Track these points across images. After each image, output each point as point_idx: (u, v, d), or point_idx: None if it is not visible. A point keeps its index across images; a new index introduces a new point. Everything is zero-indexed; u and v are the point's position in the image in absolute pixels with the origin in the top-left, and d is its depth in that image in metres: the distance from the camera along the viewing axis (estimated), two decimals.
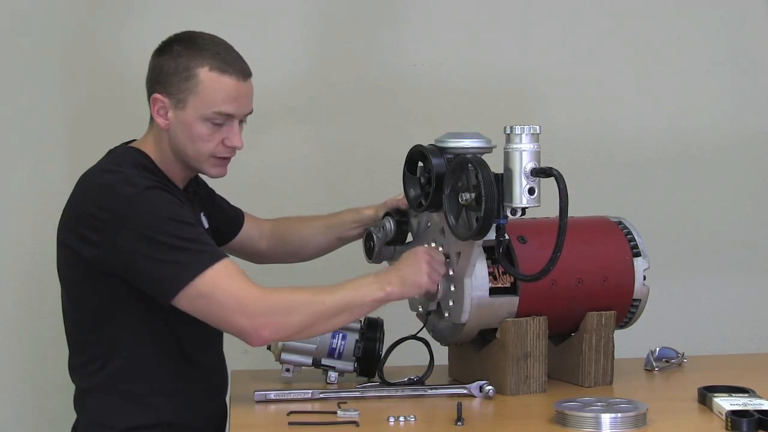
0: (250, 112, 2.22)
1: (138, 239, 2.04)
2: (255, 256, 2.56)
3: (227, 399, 2.31)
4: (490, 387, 2.22)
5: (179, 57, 2.15)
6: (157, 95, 2.16)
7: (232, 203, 2.53)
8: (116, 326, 2.14)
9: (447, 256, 2.28)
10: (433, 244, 2.32)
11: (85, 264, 2.11)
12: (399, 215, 2.42)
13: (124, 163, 2.15)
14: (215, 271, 2.03)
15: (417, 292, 2.21)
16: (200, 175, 2.31)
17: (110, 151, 2.25)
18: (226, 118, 2.17)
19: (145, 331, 2.14)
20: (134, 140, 2.27)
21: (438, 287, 2.25)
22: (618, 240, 2.39)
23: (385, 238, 2.41)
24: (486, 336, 2.31)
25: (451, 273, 2.27)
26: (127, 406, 2.15)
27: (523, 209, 2.16)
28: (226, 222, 2.48)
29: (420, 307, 2.37)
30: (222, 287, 2.03)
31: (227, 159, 2.23)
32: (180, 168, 2.22)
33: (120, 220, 2.05)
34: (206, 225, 2.33)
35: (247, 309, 2.04)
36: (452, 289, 2.27)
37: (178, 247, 2.03)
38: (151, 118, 2.21)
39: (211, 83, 2.14)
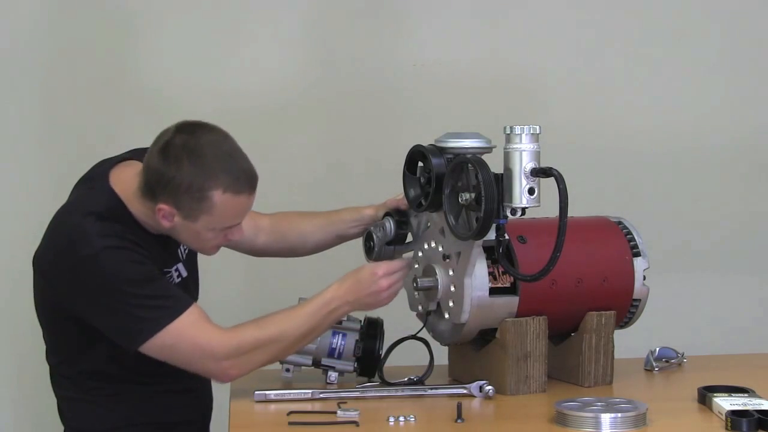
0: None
1: (97, 299, 2.10)
2: (252, 250, 2.56)
3: (227, 401, 2.31)
4: (490, 387, 2.22)
5: (191, 175, 2.10)
6: (163, 206, 2.13)
7: None
8: (78, 355, 2.22)
9: (447, 257, 2.28)
10: (433, 244, 2.32)
11: (50, 302, 2.20)
12: (399, 215, 2.41)
13: (90, 214, 2.13)
14: (178, 323, 2.10)
15: (369, 309, 2.29)
16: None
17: (89, 179, 2.25)
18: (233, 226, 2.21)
19: (105, 359, 2.21)
20: (128, 155, 2.26)
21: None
22: (618, 240, 2.39)
23: (385, 238, 2.41)
24: (486, 336, 2.31)
25: (451, 273, 2.27)
26: (101, 413, 2.23)
27: (523, 209, 2.16)
28: None
29: (420, 307, 2.37)
30: (185, 338, 2.11)
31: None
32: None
33: (79, 278, 2.11)
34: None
35: (212, 355, 2.13)
36: (452, 289, 2.27)
37: (138, 306, 2.09)
38: (147, 194, 2.15)
39: (224, 205, 2.13)
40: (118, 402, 2.23)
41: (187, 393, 2.33)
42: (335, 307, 2.20)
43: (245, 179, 2.15)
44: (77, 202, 2.21)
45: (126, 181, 2.20)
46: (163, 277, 2.20)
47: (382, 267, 2.23)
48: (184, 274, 2.31)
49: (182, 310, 2.11)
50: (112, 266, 2.09)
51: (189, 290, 2.33)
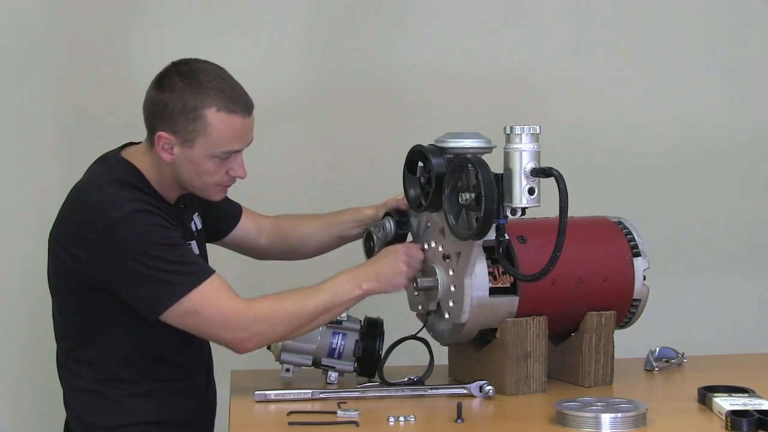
0: (251, 141, 2.24)
1: (123, 263, 2.09)
2: (254, 252, 2.57)
3: (227, 402, 2.31)
4: (490, 387, 2.22)
5: (184, 96, 2.14)
6: (162, 133, 2.16)
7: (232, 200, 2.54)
8: (97, 333, 2.20)
9: (447, 257, 2.28)
10: (433, 244, 2.33)
11: (72, 276, 2.17)
12: (399, 215, 2.42)
13: (113, 181, 2.16)
14: (201, 290, 2.10)
15: (393, 289, 2.27)
16: None
17: (102, 159, 2.26)
18: (232, 154, 2.19)
19: (125, 339, 2.20)
20: (131, 143, 2.28)
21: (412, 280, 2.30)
22: (618, 240, 2.39)
23: (385, 238, 2.41)
24: (486, 336, 2.31)
25: (451, 273, 2.27)
26: (107, 406, 2.21)
27: (523, 209, 2.16)
28: (222, 217, 2.49)
29: (420, 306, 2.37)
30: (208, 305, 2.11)
31: (228, 185, 2.27)
32: (176, 188, 2.24)
33: (105, 243, 2.10)
34: (199, 226, 2.35)
35: (232, 324, 2.13)
36: (452, 289, 2.27)
37: (164, 270, 2.09)
38: (148, 141, 2.21)
39: (219, 125, 2.15)
40: (130, 397, 2.21)
41: (196, 395, 2.32)
42: (356, 283, 2.21)
43: (239, 100, 2.18)
44: (96, 175, 2.22)
45: (138, 153, 2.24)
46: (187, 244, 2.21)
47: (404, 246, 2.30)
48: (197, 251, 2.30)
49: (206, 277, 2.12)
50: (140, 228, 2.10)
51: None
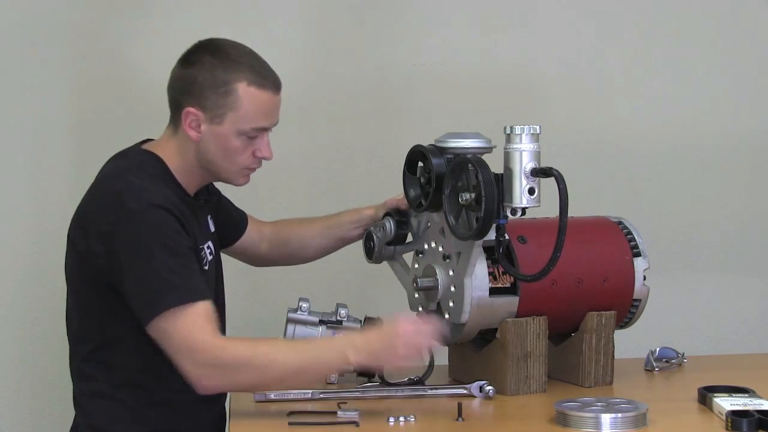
0: (277, 122, 2.22)
1: (128, 255, 2.04)
2: (255, 259, 2.55)
3: (227, 403, 2.30)
4: (490, 387, 2.23)
5: (215, 70, 2.11)
6: (190, 109, 2.12)
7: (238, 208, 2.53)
8: (114, 334, 2.14)
9: (447, 257, 2.28)
10: (433, 244, 2.32)
11: (89, 272, 2.12)
12: (399, 215, 2.42)
13: (137, 172, 2.12)
14: (183, 310, 2.00)
15: (386, 368, 2.18)
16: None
17: (122, 153, 2.23)
18: (260, 131, 2.17)
19: (141, 342, 2.09)
20: (149, 140, 2.26)
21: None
22: (618, 240, 2.39)
23: (385, 239, 2.41)
24: (486, 336, 2.31)
25: (451, 273, 2.27)
26: (123, 413, 2.15)
27: (523, 209, 2.16)
28: (231, 225, 2.47)
29: (420, 307, 2.37)
30: (179, 329, 2.00)
31: (254, 169, 2.23)
32: (198, 176, 2.21)
33: (118, 232, 2.05)
34: (212, 228, 2.32)
35: (194, 357, 2.00)
36: (452, 289, 2.27)
37: (159, 277, 2.01)
38: (172, 124, 2.19)
39: (250, 99, 2.12)
40: (147, 406, 2.15)
41: (213, 407, 2.25)
42: (341, 350, 2.04)
43: (269, 75, 2.16)
44: (119, 166, 2.17)
45: (159, 143, 2.21)
46: (193, 259, 2.11)
47: (410, 324, 2.08)
48: (213, 254, 2.26)
49: (193, 299, 2.01)
50: (152, 224, 2.04)
51: (218, 271, 2.30)
